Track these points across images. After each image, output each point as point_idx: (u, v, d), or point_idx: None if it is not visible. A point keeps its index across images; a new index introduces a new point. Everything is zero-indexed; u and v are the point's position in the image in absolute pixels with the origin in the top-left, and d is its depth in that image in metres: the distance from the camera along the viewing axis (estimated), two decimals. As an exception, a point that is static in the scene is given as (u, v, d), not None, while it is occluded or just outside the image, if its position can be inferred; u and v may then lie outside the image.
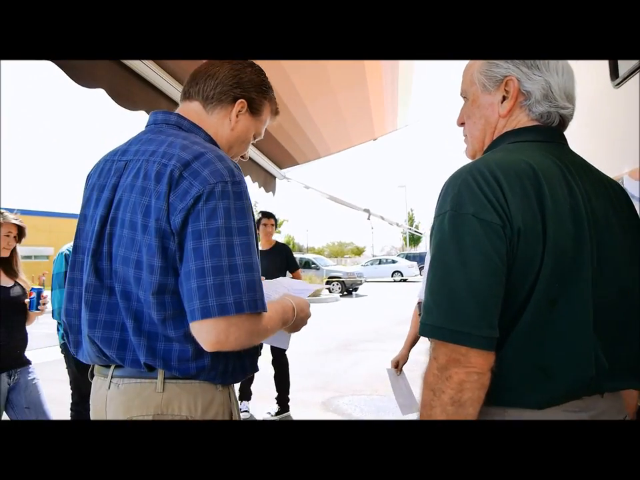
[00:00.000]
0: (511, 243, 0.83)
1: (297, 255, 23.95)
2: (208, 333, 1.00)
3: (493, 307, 0.81)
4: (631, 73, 1.61)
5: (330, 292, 19.94)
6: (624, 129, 1.67)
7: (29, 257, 29.70)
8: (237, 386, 4.37)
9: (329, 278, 20.54)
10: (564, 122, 1.03)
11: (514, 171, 0.86)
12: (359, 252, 61.97)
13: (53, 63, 1.68)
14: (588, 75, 2.05)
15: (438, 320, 0.82)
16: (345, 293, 20.18)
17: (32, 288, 2.69)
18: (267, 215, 4.54)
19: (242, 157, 1.41)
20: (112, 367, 1.12)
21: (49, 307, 2.80)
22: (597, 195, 0.93)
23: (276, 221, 4.55)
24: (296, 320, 1.25)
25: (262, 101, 1.32)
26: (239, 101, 1.27)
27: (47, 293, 2.78)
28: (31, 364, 2.70)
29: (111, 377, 1.12)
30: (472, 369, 0.80)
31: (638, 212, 1.05)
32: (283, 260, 4.48)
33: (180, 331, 1.06)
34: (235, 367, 1.16)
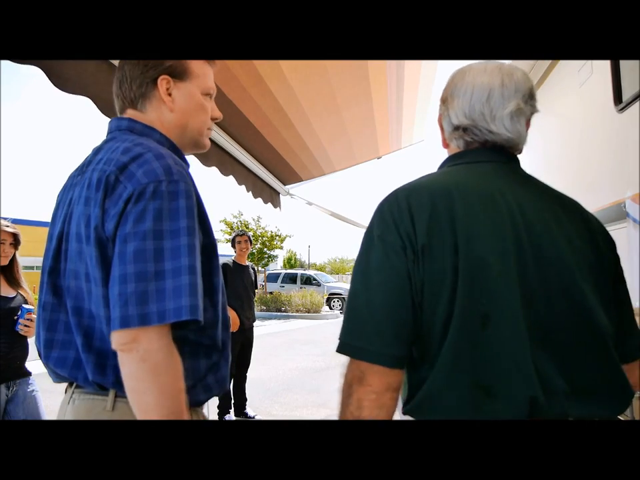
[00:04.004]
0: (416, 261, 0.85)
1: (298, 271, 23.96)
2: (127, 345, 0.90)
3: (392, 325, 0.85)
4: (635, 99, 1.63)
5: (331, 308, 19.86)
6: (627, 153, 1.68)
7: (30, 268, 29.62)
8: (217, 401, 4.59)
9: (330, 294, 20.47)
10: (494, 143, 1.00)
11: (428, 193, 0.90)
12: (360, 269, 61.61)
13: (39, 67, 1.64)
14: (591, 100, 2.07)
15: (344, 336, 0.88)
16: (346, 309, 20.06)
17: (21, 306, 2.59)
18: (240, 233, 4.99)
19: (216, 118, 1.26)
20: (74, 383, 1.07)
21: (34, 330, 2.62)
22: (539, 210, 0.92)
23: (250, 238, 5.01)
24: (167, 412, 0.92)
25: (181, 60, 1.16)
26: (160, 79, 1.14)
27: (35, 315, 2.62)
28: (30, 375, 2.67)
29: (72, 392, 1.06)
30: (369, 388, 0.84)
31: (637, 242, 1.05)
32: (250, 278, 4.98)
33: None
34: (195, 386, 1.05)
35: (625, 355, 0.94)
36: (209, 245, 1.09)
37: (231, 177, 3.68)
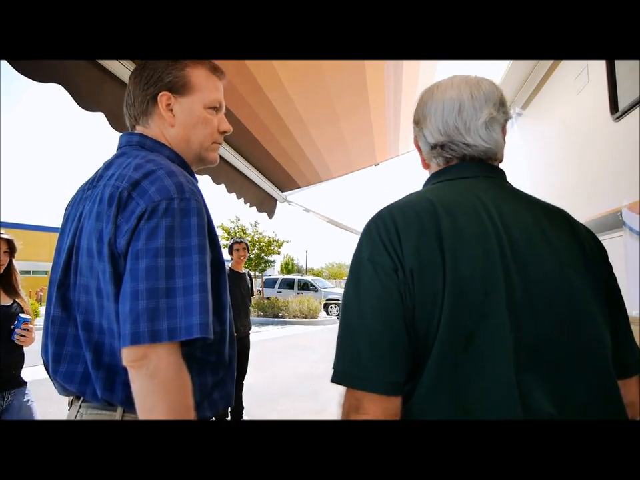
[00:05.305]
0: (406, 285, 0.82)
1: (295, 277, 23.95)
2: (137, 362, 0.91)
3: (388, 350, 0.81)
4: (631, 107, 1.64)
5: (328, 314, 19.83)
6: (624, 162, 1.69)
7: (27, 272, 29.57)
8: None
9: (327, 300, 20.45)
10: (472, 157, 0.99)
11: (413, 211, 0.88)
12: (358, 274, 61.52)
13: (60, 84, 1.69)
14: (588, 108, 2.08)
15: (338, 364, 0.85)
16: (344, 315, 20.04)
17: (18, 316, 2.55)
18: (238, 241, 5.00)
19: (224, 132, 1.25)
20: (81, 397, 1.07)
21: (34, 337, 2.59)
22: (523, 226, 0.89)
23: (247, 246, 5.01)
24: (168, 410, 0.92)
25: (181, 75, 1.16)
26: (160, 95, 1.16)
27: (32, 325, 2.60)
28: (26, 385, 2.63)
29: (79, 406, 1.06)
30: (365, 416, 0.81)
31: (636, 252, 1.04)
32: (247, 285, 5.03)
33: None
34: (202, 402, 1.06)
35: (622, 369, 0.91)
36: (217, 261, 1.10)
37: (229, 185, 3.69)
